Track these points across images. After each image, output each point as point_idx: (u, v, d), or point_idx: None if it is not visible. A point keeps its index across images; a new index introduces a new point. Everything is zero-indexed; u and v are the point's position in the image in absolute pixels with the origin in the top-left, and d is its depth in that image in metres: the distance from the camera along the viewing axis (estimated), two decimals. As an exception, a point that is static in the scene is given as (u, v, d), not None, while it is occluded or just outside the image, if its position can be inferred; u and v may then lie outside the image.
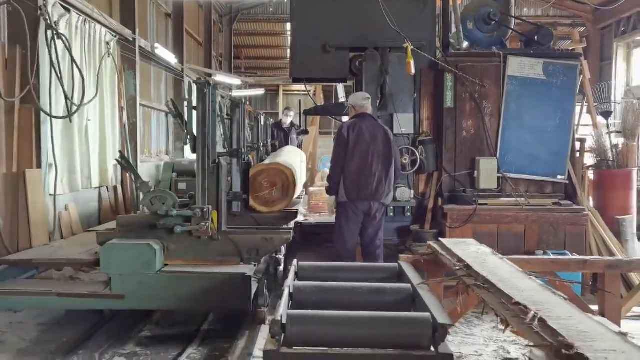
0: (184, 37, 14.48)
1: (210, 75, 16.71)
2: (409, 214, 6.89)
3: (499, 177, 6.53)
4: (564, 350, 2.14)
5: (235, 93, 18.41)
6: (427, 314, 3.04)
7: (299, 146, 11.14)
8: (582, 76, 6.97)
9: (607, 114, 7.69)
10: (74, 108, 6.93)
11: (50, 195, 6.80)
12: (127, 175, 9.53)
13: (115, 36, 9.02)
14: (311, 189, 13.42)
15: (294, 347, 2.95)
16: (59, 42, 6.60)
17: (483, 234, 6.01)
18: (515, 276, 3.33)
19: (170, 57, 12.71)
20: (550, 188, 6.61)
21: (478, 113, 6.60)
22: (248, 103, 8.34)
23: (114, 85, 8.93)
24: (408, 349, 2.97)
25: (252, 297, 4.72)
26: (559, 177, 6.56)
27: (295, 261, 4.20)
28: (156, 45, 11.75)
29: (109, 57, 8.60)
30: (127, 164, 5.05)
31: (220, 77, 16.99)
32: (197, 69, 15.85)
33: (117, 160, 5.37)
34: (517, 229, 6.30)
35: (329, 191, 6.04)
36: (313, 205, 12.79)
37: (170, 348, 4.75)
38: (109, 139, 8.69)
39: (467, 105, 6.62)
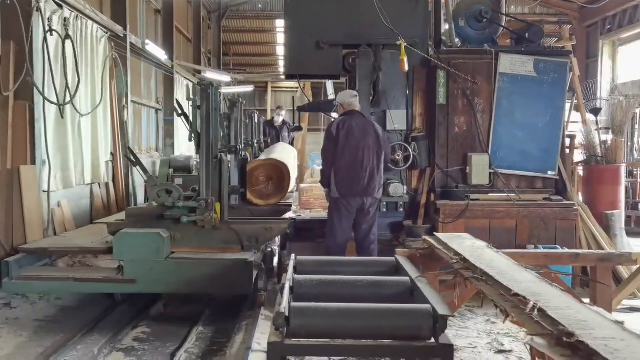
0: (174, 34, 14.44)
1: (199, 72, 16.70)
2: (401, 209, 6.95)
3: (490, 173, 6.62)
4: (565, 339, 2.21)
5: (225, 90, 18.38)
6: (427, 306, 3.11)
7: (291, 143, 11.21)
8: (571, 73, 7.07)
9: (596, 111, 7.81)
10: (68, 103, 6.93)
11: (44, 191, 6.79)
12: (119, 172, 9.53)
13: (107, 32, 9.00)
14: (302, 185, 13.47)
15: (298, 339, 3.01)
16: (51, 39, 6.60)
17: (475, 229, 6.07)
18: (512, 269, 3.40)
19: (161, 54, 12.68)
20: (540, 183, 6.71)
21: (470, 110, 6.67)
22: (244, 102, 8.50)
23: (105, 81, 8.91)
24: (409, 340, 3.04)
25: (253, 281, 5.04)
26: (549, 172, 6.66)
27: (293, 256, 4.25)
28: (147, 41, 11.72)
29: (101, 53, 8.58)
30: (135, 160, 5.30)
31: (210, 74, 16.95)
32: (187, 65, 15.81)
33: (126, 157, 5.82)
34: (509, 224, 6.38)
35: (323, 184, 6.19)
36: (304, 201, 12.84)
37: (168, 342, 4.80)
38: (100, 135, 8.67)
39: (460, 102, 6.69)
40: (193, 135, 4.83)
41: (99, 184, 8.84)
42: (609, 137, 7.48)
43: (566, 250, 5.48)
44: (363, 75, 6.74)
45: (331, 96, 13.46)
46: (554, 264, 4.42)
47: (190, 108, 4.89)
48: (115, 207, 9.24)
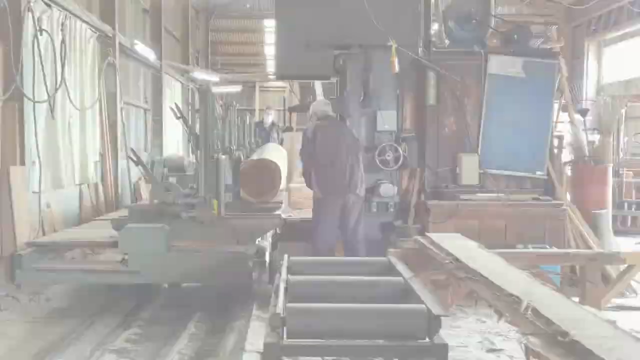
0: (162, 34, 14.38)
1: (188, 72, 16.65)
2: (392, 209, 6.97)
3: (480, 173, 6.67)
4: (559, 337, 2.25)
5: (213, 90, 18.34)
6: (421, 306, 3.14)
7: (280, 144, 11.28)
8: (560, 74, 7.13)
9: (584, 112, 7.89)
10: (55, 105, 6.90)
11: (34, 192, 6.75)
12: (108, 172, 9.50)
13: (96, 32, 8.96)
14: (291, 185, 13.45)
15: (294, 339, 3.03)
16: (41, 39, 6.56)
17: (465, 228, 6.08)
18: (505, 269, 3.45)
19: (149, 54, 12.63)
20: (529, 184, 6.76)
21: (460, 110, 6.71)
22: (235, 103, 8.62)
23: (94, 81, 8.88)
24: (404, 339, 3.06)
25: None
26: (538, 173, 6.71)
27: (286, 256, 4.27)
28: (135, 41, 11.67)
29: (90, 53, 8.54)
30: (137, 159, 5.62)
31: (198, 74, 16.92)
32: (176, 65, 15.76)
33: (128, 157, 6.19)
34: (498, 224, 6.42)
35: (308, 185, 6.31)
36: (293, 201, 12.81)
37: (159, 344, 4.79)
38: (89, 136, 8.64)
39: (449, 103, 6.73)
40: (192, 136, 4.99)
41: (87, 185, 8.80)
42: (596, 137, 7.55)
43: (557, 250, 5.53)
44: (353, 76, 6.76)
45: (319, 97, 13.50)
46: (546, 264, 4.48)
47: (190, 111, 5.06)
48: (104, 208, 9.19)
